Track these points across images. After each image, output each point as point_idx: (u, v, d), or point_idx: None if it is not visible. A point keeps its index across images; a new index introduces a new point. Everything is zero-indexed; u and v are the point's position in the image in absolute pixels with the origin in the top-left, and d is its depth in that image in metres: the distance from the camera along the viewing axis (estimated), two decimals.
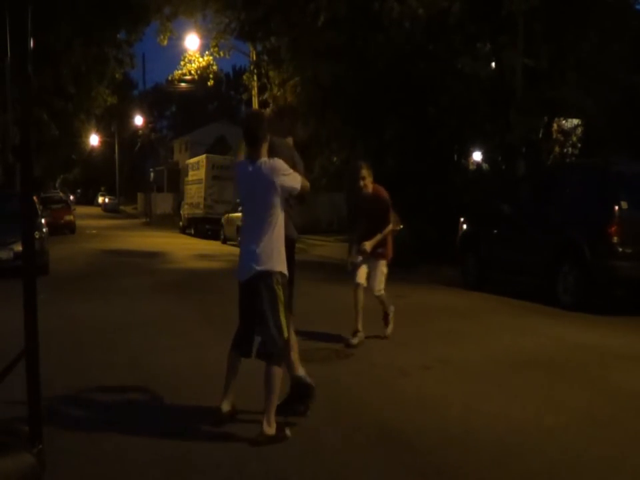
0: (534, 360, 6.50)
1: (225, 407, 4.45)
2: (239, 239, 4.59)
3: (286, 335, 4.34)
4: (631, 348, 7.21)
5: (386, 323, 7.41)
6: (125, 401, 5.12)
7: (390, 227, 7.20)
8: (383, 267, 7.29)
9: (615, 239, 9.11)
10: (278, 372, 4.28)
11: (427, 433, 4.42)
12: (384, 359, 6.47)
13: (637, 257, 9.04)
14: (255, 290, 4.31)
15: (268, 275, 4.28)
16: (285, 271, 4.37)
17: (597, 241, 9.30)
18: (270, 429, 4.16)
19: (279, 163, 4.34)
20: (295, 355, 4.75)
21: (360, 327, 7.01)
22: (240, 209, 5.14)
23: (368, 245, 6.97)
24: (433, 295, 11.28)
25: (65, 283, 12.23)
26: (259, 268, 4.28)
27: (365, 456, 4.04)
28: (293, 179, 4.38)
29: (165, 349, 6.84)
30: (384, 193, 7.10)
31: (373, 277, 7.19)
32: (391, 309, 7.46)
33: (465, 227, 12.44)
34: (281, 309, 4.30)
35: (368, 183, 6.94)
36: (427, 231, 15.59)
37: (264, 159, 4.37)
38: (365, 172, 6.92)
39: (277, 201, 4.32)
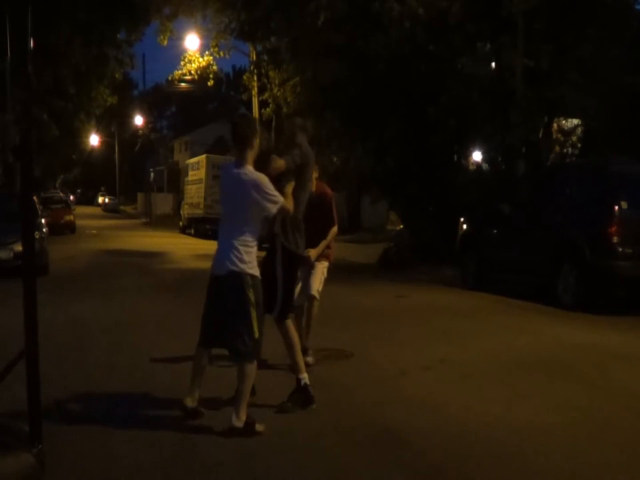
0: (534, 360, 6.51)
1: (190, 402, 4.52)
2: (218, 236, 4.70)
3: (256, 335, 4.41)
4: (631, 348, 7.21)
5: (306, 353, 5.87)
6: (125, 401, 5.12)
7: (335, 230, 6.36)
8: (324, 269, 6.37)
9: (615, 239, 9.11)
10: (250, 369, 4.37)
11: (427, 432, 4.43)
12: (384, 358, 6.47)
13: (637, 256, 9.04)
14: (225, 289, 4.40)
15: (238, 276, 4.36)
16: (257, 274, 4.45)
17: (597, 241, 9.30)
18: (238, 422, 4.24)
19: (264, 181, 4.39)
20: (300, 358, 4.93)
21: (308, 344, 6.06)
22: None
23: (313, 253, 6.06)
24: (433, 294, 11.28)
25: (65, 282, 12.23)
26: (233, 268, 4.36)
27: (365, 456, 4.04)
28: (272, 203, 4.41)
29: (165, 349, 6.83)
30: (329, 192, 6.44)
31: (311, 276, 6.24)
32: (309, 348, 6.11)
33: (465, 227, 12.44)
34: (252, 310, 4.37)
35: (313, 179, 6.04)
36: (427, 230, 15.60)
37: (249, 167, 4.44)
38: None
39: (252, 211, 4.41)
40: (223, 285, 4.42)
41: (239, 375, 4.38)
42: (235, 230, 4.42)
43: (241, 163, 4.46)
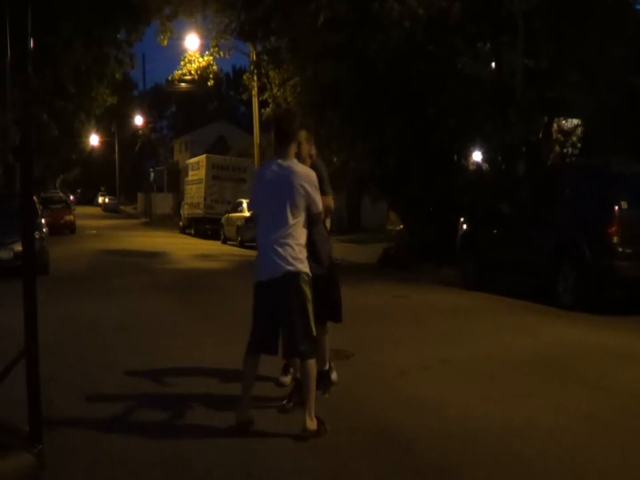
0: (534, 360, 6.51)
1: (248, 416, 4.34)
2: (256, 237, 4.55)
3: (314, 332, 4.38)
4: (630, 348, 7.21)
5: (287, 371, 5.47)
6: (125, 401, 5.12)
7: None
8: None
9: (615, 239, 9.11)
10: (313, 367, 4.33)
11: (427, 433, 4.42)
12: (384, 359, 6.47)
13: (637, 256, 9.04)
14: (282, 290, 4.27)
15: (297, 275, 4.27)
16: (309, 272, 4.38)
17: (597, 241, 9.30)
18: (312, 423, 4.22)
19: (314, 176, 4.37)
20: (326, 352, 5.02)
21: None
22: (252, 207, 5.07)
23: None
24: (433, 294, 11.28)
25: (65, 283, 12.23)
26: (289, 268, 4.24)
27: (365, 456, 4.04)
28: (318, 200, 4.38)
29: (165, 348, 6.84)
30: None
31: None
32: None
33: (464, 227, 12.44)
34: (310, 308, 4.32)
35: None
36: (427, 230, 15.59)
37: (295, 160, 4.40)
38: None
39: (303, 205, 4.31)
40: (279, 286, 4.26)
41: (303, 374, 4.34)
42: (284, 226, 4.27)
43: (285, 156, 4.37)
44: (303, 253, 4.32)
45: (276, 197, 4.31)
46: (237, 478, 3.76)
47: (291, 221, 4.28)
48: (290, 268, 4.24)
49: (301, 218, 4.33)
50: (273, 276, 4.27)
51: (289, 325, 4.30)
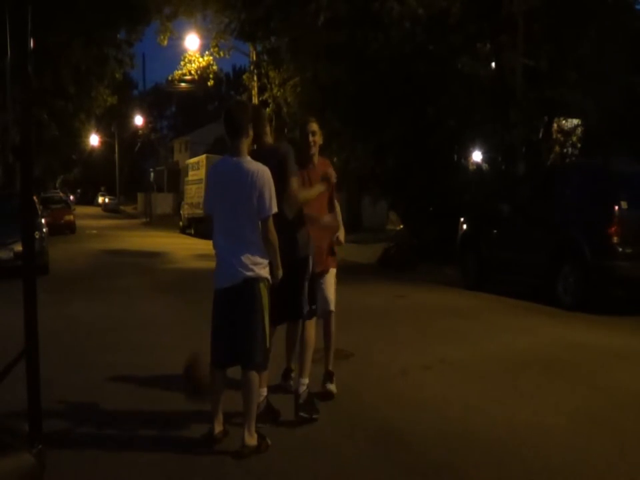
0: (534, 360, 6.51)
1: (217, 428, 4.18)
2: (214, 242, 4.18)
3: (268, 343, 4.14)
4: (630, 348, 7.21)
5: (330, 379, 5.32)
6: (125, 401, 5.12)
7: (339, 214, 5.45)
8: (334, 276, 5.36)
9: (615, 239, 9.11)
10: (256, 380, 4.07)
11: (427, 432, 4.42)
12: (384, 359, 6.47)
13: (637, 256, 9.04)
14: (241, 297, 4.04)
15: (255, 281, 4.04)
16: (269, 278, 4.15)
17: (597, 241, 9.30)
18: (251, 439, 3.99)
19: (269, 175, 4.04)
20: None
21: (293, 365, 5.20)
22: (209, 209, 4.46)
23: (342, 235, 5.33)
24: (433, 294, 11.28)
25: (65, 282, 12.23)
26: (248, 274, 4.01)
27: (364, 456, 4.04)
28: (271, 206, 4.02)
29: (165, 348, 6.83)
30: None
31: (327, 287, 5.24)
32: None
33: (464, 227, 12.44)
34: (266, 317, 4.08)
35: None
36: (427, 230, 15.60)
37: (248, 157, 4.11)
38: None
39: (255, 205, 4.03)
40: (237, 294, 4.03)
41: (246, 386, 4.03)
42: (241, 228, 4.02)
43: (237, 152, 4.06)
44: (264, 257, 4.07)
45: (230, 198, 4.03)
46: (237, 478, 3.76)
47: (250, 221, 4.02)
48: (250, 274, 4.00)
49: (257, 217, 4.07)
50: (233, 283, 4.04)
51: (247, 334, 4.04)
